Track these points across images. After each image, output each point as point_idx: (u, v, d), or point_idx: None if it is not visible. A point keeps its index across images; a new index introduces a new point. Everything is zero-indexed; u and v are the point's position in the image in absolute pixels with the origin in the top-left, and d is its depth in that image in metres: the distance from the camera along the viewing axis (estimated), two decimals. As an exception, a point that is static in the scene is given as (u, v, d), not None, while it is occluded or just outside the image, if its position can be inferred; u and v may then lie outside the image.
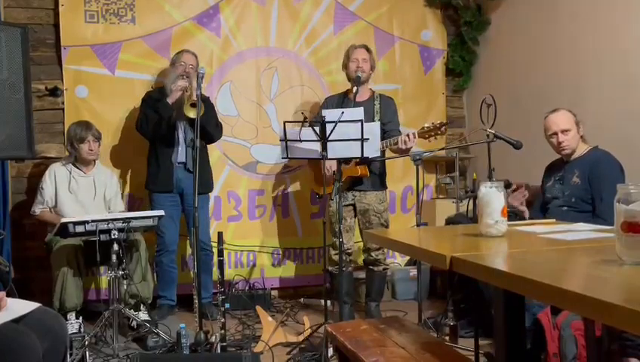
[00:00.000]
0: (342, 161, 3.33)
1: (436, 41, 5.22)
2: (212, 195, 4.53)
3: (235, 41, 4.74)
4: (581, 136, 3.27)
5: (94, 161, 4.03)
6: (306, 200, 4.84)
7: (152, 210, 4.01)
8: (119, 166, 4.44)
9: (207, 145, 4.26)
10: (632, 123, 3.59)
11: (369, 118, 3.79)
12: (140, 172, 4.49)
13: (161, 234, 4.10)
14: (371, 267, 3.99)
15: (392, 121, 3.99)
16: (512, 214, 3.35)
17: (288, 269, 4.83)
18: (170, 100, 3.96)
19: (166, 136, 4.05)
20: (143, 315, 3.72)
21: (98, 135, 3.95)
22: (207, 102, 4.18)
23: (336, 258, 3.82)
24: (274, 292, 4.69)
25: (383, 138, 3.82)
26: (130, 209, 4.27)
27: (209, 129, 4.07)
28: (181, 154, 4.10)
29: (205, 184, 4.25)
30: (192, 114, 3.60)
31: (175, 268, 4.22)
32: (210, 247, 4.21)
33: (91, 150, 3.90)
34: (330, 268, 3.88)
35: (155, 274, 4.18)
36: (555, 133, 3.26)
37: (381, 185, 4.01)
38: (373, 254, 3.95)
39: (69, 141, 3.96)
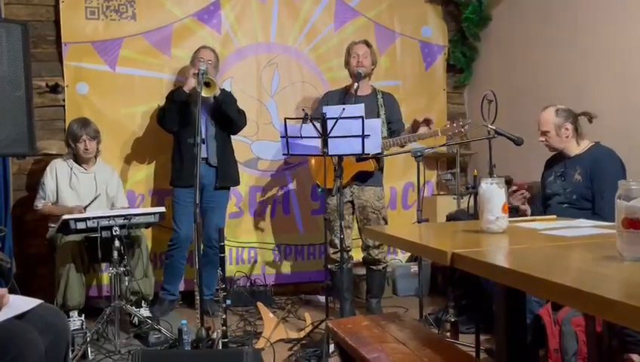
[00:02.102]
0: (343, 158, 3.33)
1: (437, 37, 5.21)
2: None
3: (235, 38, 4.73)
4: (568, 137, 3.23)
5: (95, 157, 4.03)
6: (306, 197, 4.84)
7: (174, 204, 4.05)
8: (120, 162, 4.44)
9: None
10: (632, 118, 3.58)
11: (373, 112, 3.80)
12: (140, 168, 4.50)
13: (177, 230, 4.11)
14: (371, 266, 3.99)
15: (398, 120, 4.02)
16: (513, 210, 3.34)
17: (289, 266, 4.84)
18: (186, 88, 3.95)
19: (188, 128, 4.00)
20: (145, 312, 3.73)
21: (94, 134, 3.92)
22: (229, 94, 4.21)
23: (334, 256, 3.82)
24: (275, 289, 4.69)
25: (390, 137, 3.86)
26: (130, 205, 4.26)
27: (230, 113, 4.08)
28: (203, 149, 4.09)
29: (231, 178, 4.26)
30: (205, 93, 3.59)
31: (184, 265, 4.23)
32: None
33: (87, 149, 3.89)
34: (329, 266, 3.88)
35: (163, 266, 4.23)
36: (539, 131, 3.31)
37: (380, 181, 4.01)
38: (372, 253, 3.93)
39: (67, 138, 3.97)
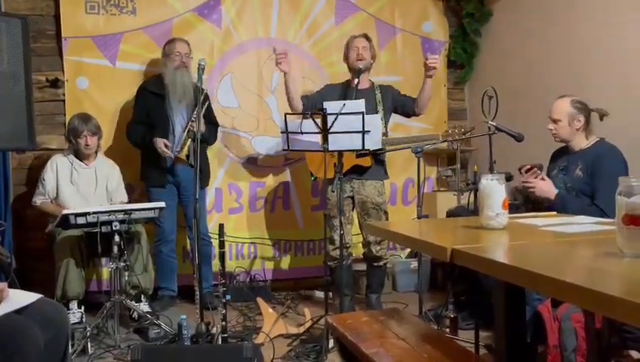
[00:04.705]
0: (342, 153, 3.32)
1: (438, 32, 5.20)
2: (213, 187, 4.58)
3: (235, 33, 4.72)
4: (579, 129, 3.20)
5: (95, 153, 4.02)
6: (307, 193, 4.84)
7: (149, 200, 4.04)
8: (119, 157, 4.41)
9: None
10: (632, 115, 3.57)
11: (371, 106, 3.78)
12: (139, 162, 4.49)
13: (160, 224, 4.12)
14: (372, 263, 3.98)
15: (403, 96, 3.97)
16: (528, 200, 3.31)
17: (289, 261, 4.84)
18: (167, 155, 4.04)
19: (160, 128, 4.07)
20: (144, 306, 3.74)
21: (95, 129, 3.91)
22: (205, 98, 4.17)
23: (333, 253, 3.81)
24: (275, 284, 4.69)
25: (406, 111, 3.90)
26: (129, 199, 4.26)
27: (208, 145, 4.31)
28: (177, 147, 4.09)
29: (206, 178, 4.30)
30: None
31: (175, 258, 4.25)
32: (209, 238, 4.24)
33: (88, 145, 3.88)
34: (329, 263, 3.86)
35: (155, 264, 4.21)
36: (549, 119, 3.26)
37: (380, 175, 3.98)
38: (373, 250, 3.90)
39: (68, 134, 3.96)
